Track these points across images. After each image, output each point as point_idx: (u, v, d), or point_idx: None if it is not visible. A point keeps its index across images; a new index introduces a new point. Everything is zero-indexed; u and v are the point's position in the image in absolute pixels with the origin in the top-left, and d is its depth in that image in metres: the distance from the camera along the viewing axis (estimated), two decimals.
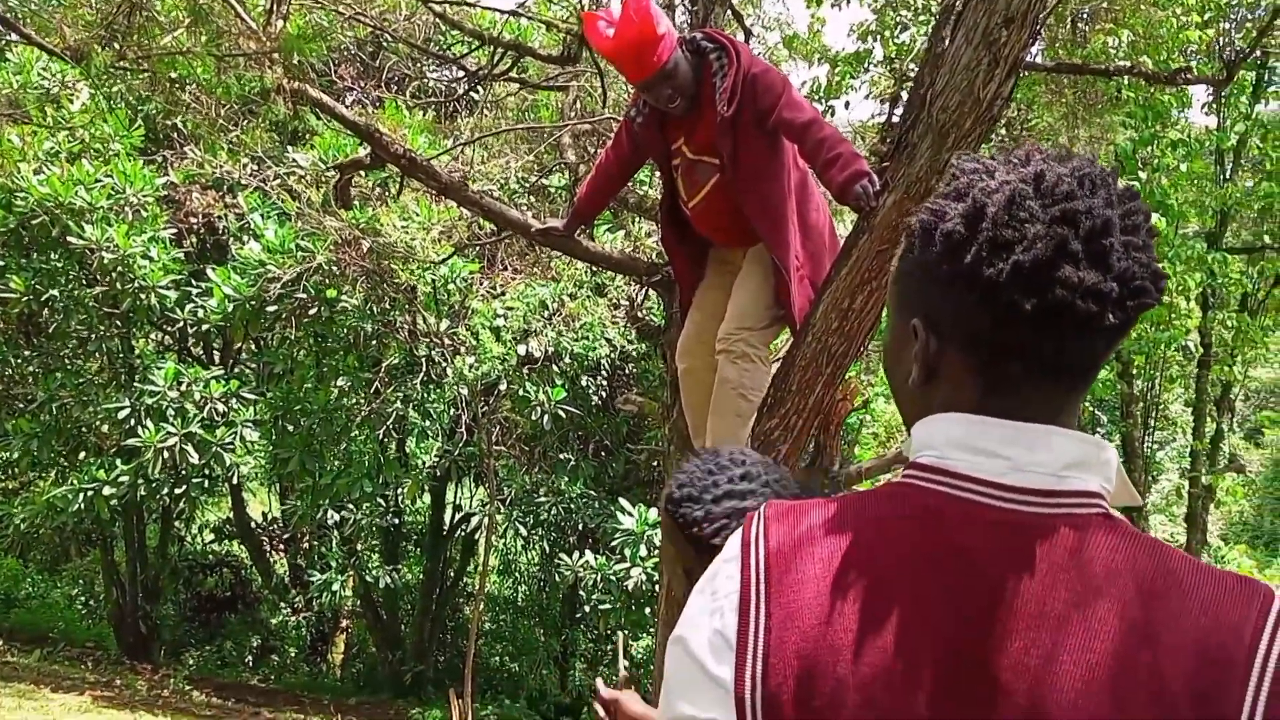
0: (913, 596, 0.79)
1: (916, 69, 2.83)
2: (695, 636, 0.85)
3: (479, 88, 6.83)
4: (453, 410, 8.38)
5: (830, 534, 0.84)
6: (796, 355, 2.57)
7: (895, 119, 4.41)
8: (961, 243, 0.82)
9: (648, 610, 8.08)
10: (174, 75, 6.46)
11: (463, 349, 7.60)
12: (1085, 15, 6.85)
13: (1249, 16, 8.42)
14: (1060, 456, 0.82)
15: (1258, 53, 7.20)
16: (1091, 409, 13.38)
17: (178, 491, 7.65)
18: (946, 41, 2.15)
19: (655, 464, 8.57)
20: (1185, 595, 0.76)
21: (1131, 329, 0.84)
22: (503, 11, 4.37)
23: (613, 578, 7.48)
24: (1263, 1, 6.61)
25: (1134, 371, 11.43)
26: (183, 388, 7.23)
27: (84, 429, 7.59)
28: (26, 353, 8.13)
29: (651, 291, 4.34)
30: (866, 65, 7.59)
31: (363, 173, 6.71)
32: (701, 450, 2.83)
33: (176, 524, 11.28)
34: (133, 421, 7.11)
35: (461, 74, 6.25)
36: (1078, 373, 0.84)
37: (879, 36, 7.40)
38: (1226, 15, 8.01)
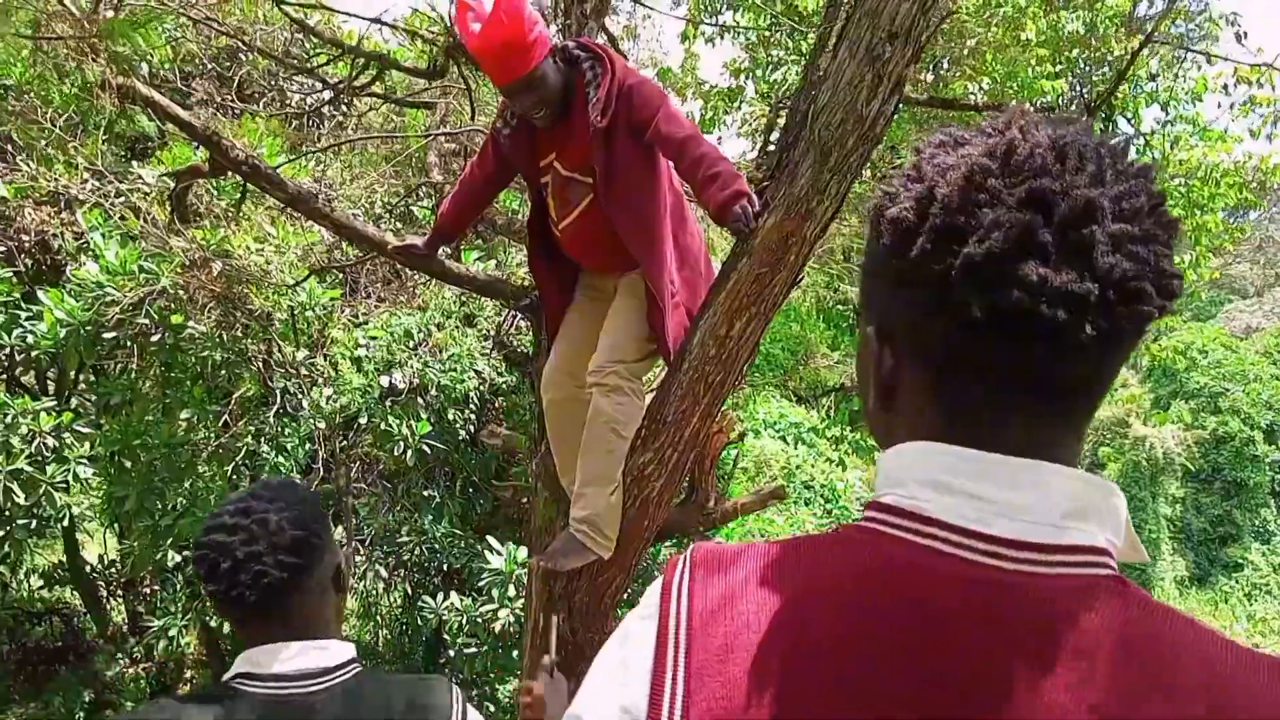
0: (865, 674, 0.63)
1: (793, 94, 2.77)
2: (597, 711, 0.70)
3: (340, 103, 6.54)
4: (309, 445, 7.95)
5: (768, 589, 0.68)
6: (672, 385, 2.44)
7: (771, 147, 4.40)
8: (909, 231, 0.67)
9: (515, 653, 7.82)
10: (7, 83, 5.96)
11: (321, 380, 7.23)
12: (945, 63, 7.11)
13: (1093, 73, 8.94)
14: (1057, 501, 0.65)
15: (1103, 109, 7.63)
16: None
17: (1, 534, 7.00)
18: (829, 57, 2.08)
19: (524, 501, 8.35)
20: (1226, 687, 0.60)
21: (1138, 340, 0.68)
22: (369, 19, 4.16)
23: (479, 620, 7.23)
24: (1109, 57, 6.99)
25: None
26: (7, 420, 6.62)
27: None
28: None
29: (520, 318, 4.16)
30: (739, 102, 7.68)
31: (215, 190, 6.32)
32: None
33: (1, 569, 10.35)
34: None
35: (322, 88, 5.97)
36: (1063, 396, 0.68)
37: (751, 74, 7.50)
38: (1073, 69, 8.46)
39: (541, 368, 3.11)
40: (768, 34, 6.85)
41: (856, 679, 0.62)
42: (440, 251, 3.33)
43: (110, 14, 3.04)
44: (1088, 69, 8.39)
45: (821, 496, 11.68)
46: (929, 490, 0.67)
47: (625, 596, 2.77)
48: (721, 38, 7.19)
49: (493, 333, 7.74)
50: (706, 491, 3.25)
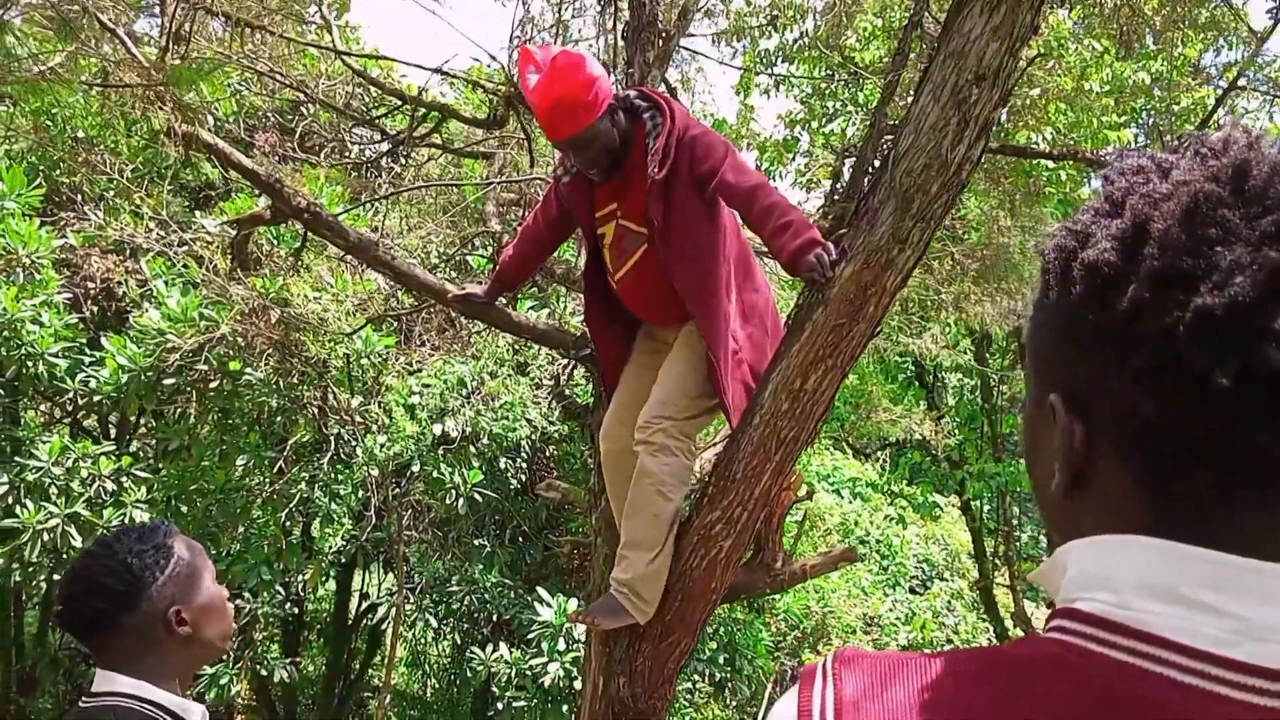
0: None
1: (861, 142, 2.70)
2: None
3: (399, 154, 6.62)
4: (361, 492, 7.95)
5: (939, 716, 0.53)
6: (742, 440, 2.34)
7: (837, 196, 4.34)
8: (1113, 279, 0.54)
9: (565, 708, 7.66)
10: (79, 135, 6.12)
11: (374, 427, 7.24)
12: (1005, 113, 7.01)
13: (1159, 124, 8.79)
14: None
15: None
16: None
17: (58, 577, 7.05)
18: (911, 102, 2.00)
19: (575, 553, 8.27)
20: None
21: None
22: (431, 70, 4.20)
23: (528, 672, 7.10)
24: (1175, 108, 6.84)
25: None
26: (69, 464, 6.71)
27: None
28: None
29: (578, 368, 4.11)
30: (794, 155, 7.64)
31: (275, 240, 6.40)
32: None
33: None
34: (10, 499, 6.56)
35: (381, 138, 6.04)
36: None
37: (806, 126, 7.46)
38: (1137, 120, 8.32)
39: (600, 419, 3.04)
40: (824, 85, 6.82)
41: None
42: (499, 299, 3.29)
43: (176, 62, 3.09)
44: (1151, 119, 8.23)
45: (877, 553, 11.39)
46: (1151, 599, 0.53)
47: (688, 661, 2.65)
48: (777, 89, 7.17)
49: (545, 381, 7.71)
50: (774, 551, 3.13)
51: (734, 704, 9.70)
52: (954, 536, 13.48)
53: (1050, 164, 5.68)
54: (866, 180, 3.49)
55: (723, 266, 2.70)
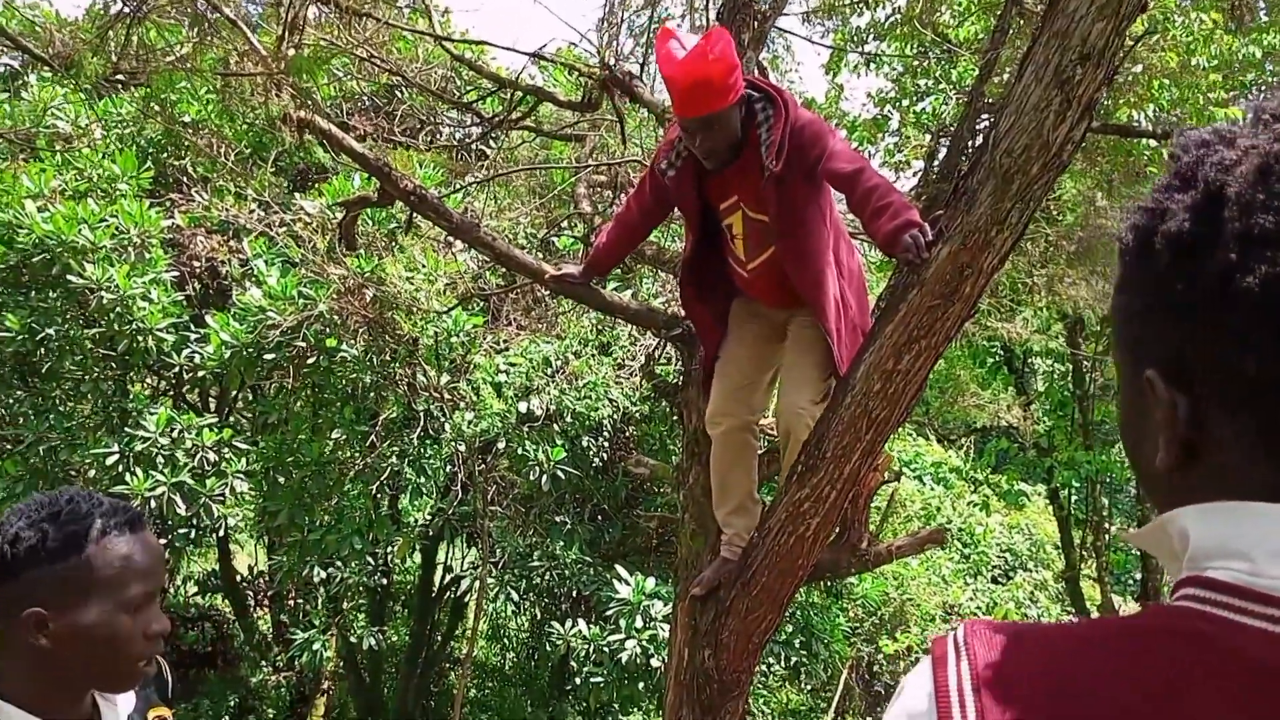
0: None
1: (957, 121, 2.68)
2: None
3: (491, 137, 6.75)
4: (448, 467, 8.14)
5: (1079, 696, 0.52)
6: (833, 420, 2.36)
7: (933, 176, 4.29)
8: (1197, 247, 0.55)
9: (641, 685, 7.76)
10: (187, 118, 6.39)
11: (462, 404, 7.41)
12: (1107, 91, 6.79)
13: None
14: None
15: None
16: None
17: (163, 542, 7.40)
18: (1012, 81, 1.99)
19: (660, 529, 8.35)
20: None
21: None
22: (525, 54, 4.27)
23: (606, 649, 7.19)
24: None
25: None
26: (174, 435, 7.03)
27: (72, 473, 7.36)
28: (19, 393, 7.93)
29: (669, 347, 4.16)
30: (883, 133, 7.54)
31: (371, 221, 6.59)
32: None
33: None
34: (121, 468, 6.90)
35: (475, 121, 6.17)
36: None
37: (896, 104, 7.35)
38: (1246, 96, 7.98)
39: (691, 397, 3.09)
40: (915, 63, 6.71)
41: None
42: (593, 280, 3.37)
43: (292, 52, 3.23)
44: (1263, 95, 7.89)
45: (959, 541, 11.22)
46: None
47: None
48: (867, 67, 7.08)
49: (628, 362, 7.78)
50: (860, 532, 3.15)
51: (809, 688, 9.69)
52: (1040, 526, 13.19)
53: (1153, 143, 5.51)
54: (963, 160, 3.46)
55: (828, 246, 2.78)
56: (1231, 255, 0.54)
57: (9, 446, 7.71)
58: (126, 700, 1.53)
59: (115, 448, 6.93)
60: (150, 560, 1.43)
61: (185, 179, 7.58)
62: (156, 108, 5.11)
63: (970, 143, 3.48)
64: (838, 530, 3.22)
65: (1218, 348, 0.56)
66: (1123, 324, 0.65)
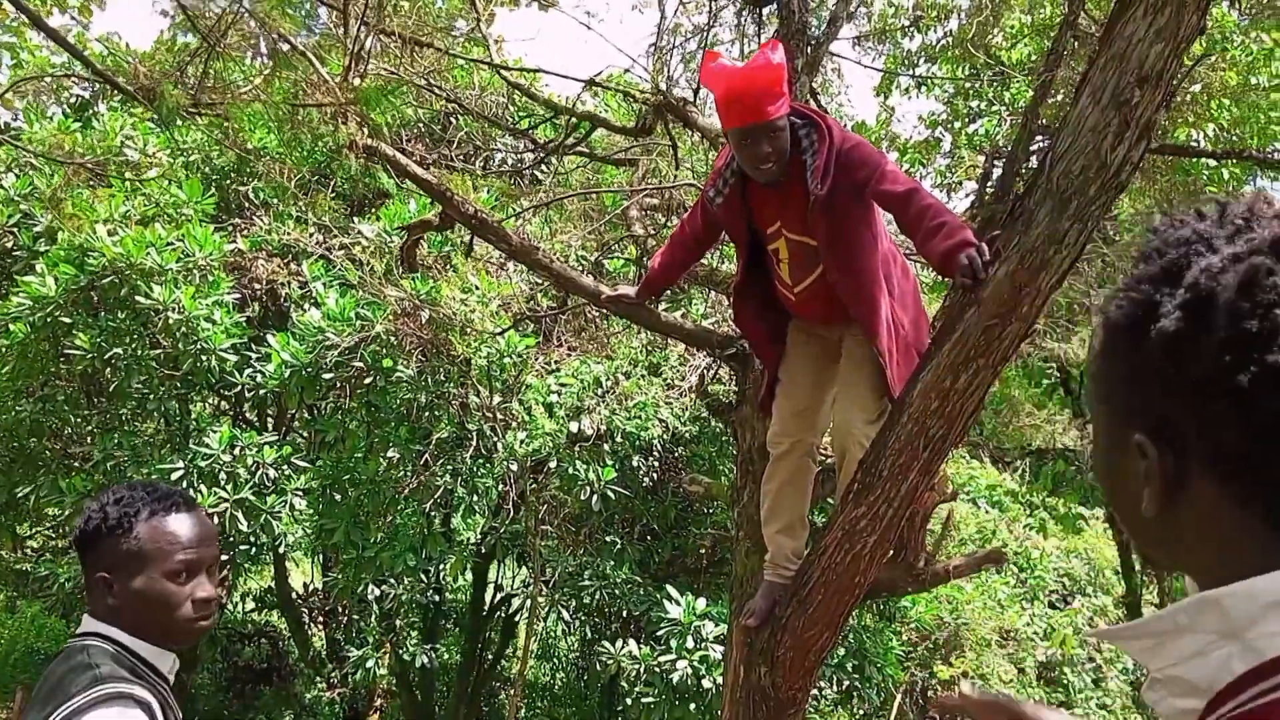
0: None
1: (1013, 143, 2.69)
2: None
3: (546, 162, 6.86)
4: (500, 486, 8.23)
5: None
6: (889, 438, 2.38)
7: (987, 197, 4.29)
8: (1188, 342, 0.64)
9: (692, 706, 7.73)
10: (249, 146, 6.59)
11: (514, 424, 7.49)
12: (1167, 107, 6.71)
13: None
14: None
15: None
16: None
17: (223, 558, 7.56)
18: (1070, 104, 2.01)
19: (711, 549, 8.33)
20: None
21: None
22: (579, 80, 4.36)
23: (657, 669, 7.18)
24: None
25: None
26: (236, 452, 7.20)
27: None
28: (86, 411, 8.17)
29: (723, 366, 4.19)
30: (935, 155, 7.52)
31: (427, 244, 6.73)
32: None
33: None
34: (185, 484, 7.07)
35: (530, 147, 6.28)
36: None
37: (949, 127, 7.34)
38: None
39: (746, 416, 3.13)
40: (968, 85, 6.70)
41: None
42: (647, 301, 3.43)
43: (358, 81, 3.37)
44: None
45: (1015, 565, 11.03)
46: None
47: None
48: (919, 89, 7.09)
49: (677, 383, 7.82)
50: (916, 551, 3.15)
51: (861, 713, 9.57)
52: (1098, 551, 12.91)
53: (1212, 162, 5.44)
54: (1018, 181, 3.46)
55: (880, 267, 2.82)
56: (1225, 356, 0.62)
57: (77, 464, 7.96)
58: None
59: (180, 464, 7.11)
60: (193, 535, 1.73)
61: (248, 204, 7.82)
62: (226, 136, 5.29)
63: (1025, 164, 3.49)
64: (894, 550, 3.22)
65: (1202, 422, 0.64)
66: (1106, 390, 0.73)
